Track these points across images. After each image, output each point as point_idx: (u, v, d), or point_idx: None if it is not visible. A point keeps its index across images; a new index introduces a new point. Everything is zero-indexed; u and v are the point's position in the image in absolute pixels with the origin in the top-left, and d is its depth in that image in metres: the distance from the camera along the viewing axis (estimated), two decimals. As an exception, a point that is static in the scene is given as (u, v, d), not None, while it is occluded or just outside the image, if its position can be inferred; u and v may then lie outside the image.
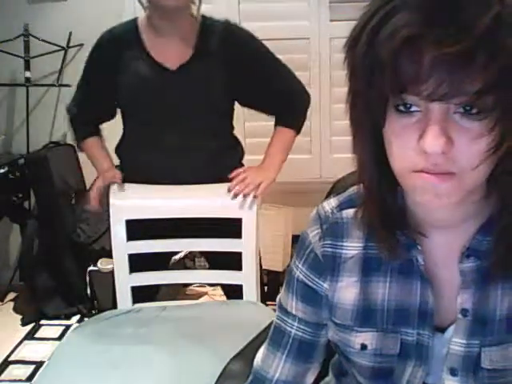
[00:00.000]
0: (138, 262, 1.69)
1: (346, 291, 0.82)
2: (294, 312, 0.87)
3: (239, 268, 1.66)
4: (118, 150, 1.88)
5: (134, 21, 1.81)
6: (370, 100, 0.65)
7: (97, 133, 1.89)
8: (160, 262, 1.81)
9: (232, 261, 1.67)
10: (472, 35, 0.57)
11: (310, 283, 0.86)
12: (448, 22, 0.58)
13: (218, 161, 1.79)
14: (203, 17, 1.81)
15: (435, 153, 0.61)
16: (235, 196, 1.67)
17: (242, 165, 1.89)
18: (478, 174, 0.64)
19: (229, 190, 1.68)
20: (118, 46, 1.76)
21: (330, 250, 0.84)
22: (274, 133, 1.86)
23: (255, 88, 1.81)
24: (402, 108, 0.64)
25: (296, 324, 0.87)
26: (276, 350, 0.89)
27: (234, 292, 1.72)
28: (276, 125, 1.86)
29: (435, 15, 0.58)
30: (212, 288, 2.93)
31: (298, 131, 1.88)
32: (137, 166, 1.80)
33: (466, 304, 0.75)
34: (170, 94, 1.73)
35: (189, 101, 1.74)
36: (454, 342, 0.76)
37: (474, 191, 0.68)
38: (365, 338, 0.80)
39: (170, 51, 1.75)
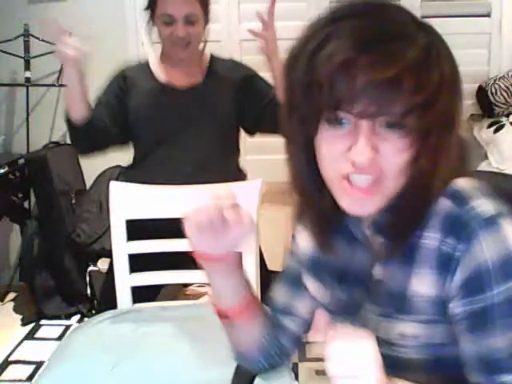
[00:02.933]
0: (138, 263, 1.69)
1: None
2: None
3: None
4: (127, 174, 1.95)
5: (146, 61, 1.93)
6: (306, 113, 0.73)
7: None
8: (160, 262, 1.81)
9: None
10: (400, 64, 0.66)
11: None
12: (379, 50, 0.67)
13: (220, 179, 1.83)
14: (212, 56, 1.96)
15: (362, 161, 0.70)
16: None
17: None
18: (398, 182, 0.73)
19: None
20: (131, 82, 1.86)
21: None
22: None
23: (257, 111, 1.89)
24: (334, 121, 0.72)
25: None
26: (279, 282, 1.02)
27: None
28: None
29: (368, 43, 0.67)
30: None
31: None
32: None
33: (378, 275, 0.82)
34: (178, 112, 1.83)
35: (196, 120, 1.82)
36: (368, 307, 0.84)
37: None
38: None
39: (180, 75, 1.86)
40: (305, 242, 0.94)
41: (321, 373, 2.28)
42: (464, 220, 0.74)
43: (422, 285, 0.76)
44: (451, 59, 0.73)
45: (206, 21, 1.85)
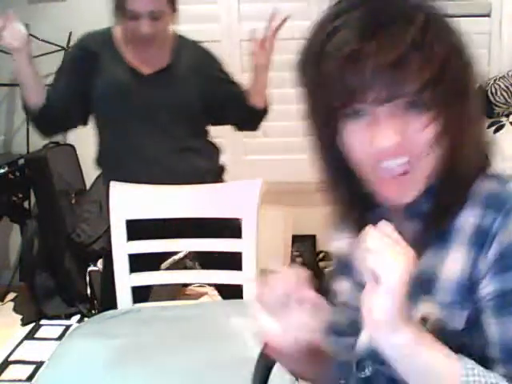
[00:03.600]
0: (138, 262, 1.69)
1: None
2: None
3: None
4: (98, 161, 1.93)
5: (110, 30, 1.87)
6: (323, 112, 0.75)
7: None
8: (153, 262, 1.82)
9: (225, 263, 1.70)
10: (402, 45, 0.68)
11: None
12: (381, 36, 0.68)
13: (195, 163, 1.84)
14: (179, 36, 1.91)
15: (387, 147, 0.70)
16: None
17: (221, 167, 1.93)
18: (431, 161, 0.73)
19: None
20: (94, 51, 1.82)
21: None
22: None
23: (222, 98, 1.90)
24: (352, 115, 0.72)
25: None
26: None
27: (229, 293, 1.73)
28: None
29: (371, 31, 0.69)
30: (212, 288, 2.93)
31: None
32: (118, 173, 1.81)
33: None
34: (144, 98, 1.79)
35: (162, 106, 1.80)
36: None
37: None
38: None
39: (146, 58, 1.82)
40: (338, 242, 0.94)
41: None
42: (504, 196, 0.74)
43: (455, 264, 0.75)
44: (453, 30, 0.75)
45: (174, 12, 1.82)
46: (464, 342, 0.75)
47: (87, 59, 1.81)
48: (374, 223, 0.78)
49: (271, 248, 2.72)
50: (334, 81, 0.70)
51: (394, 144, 0.70)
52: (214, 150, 1.94)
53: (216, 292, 2.91)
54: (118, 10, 1.76)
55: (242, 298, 1.66)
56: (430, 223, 0.78)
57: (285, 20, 1.82)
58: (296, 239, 2.95)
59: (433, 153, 0.73)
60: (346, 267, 0.91)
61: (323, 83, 0.72)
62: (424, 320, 0.77)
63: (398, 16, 0.70)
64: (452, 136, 0.73)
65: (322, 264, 2.94)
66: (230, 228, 1.75)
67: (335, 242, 0.96)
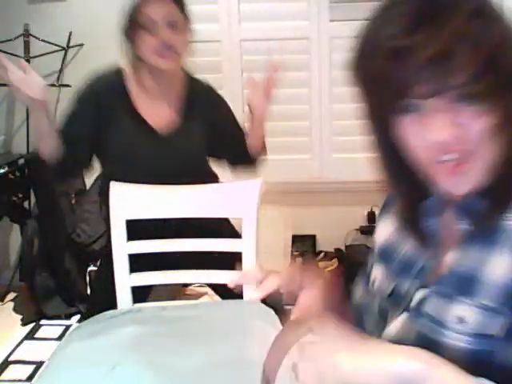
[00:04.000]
0: (139, 262, 1.69)
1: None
2: None
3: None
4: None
5: (120, 73, 1.81)
6: (375, 108, 0.75)
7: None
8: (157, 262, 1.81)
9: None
10: (448, 35, 0.66)
11: None
12: (426, 27, 0.67)
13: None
14: (186, 74, 1.87)
15: (443, 139, 0.69)
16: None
17: None
18: (488, 153, 0.72)
19: None
20: (105, 97, 1.77)
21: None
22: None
23: (223, 141, 1.89)
24: (405, 110, 0.72)
25: None
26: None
27: (227, 293, 1.72)
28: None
29: (416, 24, 0.68)
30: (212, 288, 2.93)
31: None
32: None
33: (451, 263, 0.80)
34: (154, 156, 1.78)
35: (172, 161, 1.79)
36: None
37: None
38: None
39: (157, 111, 1.80)
40: (383, 229, 0.94)
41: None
42: None
43: (500, 268, 0.73)
44: (503, 18, 0.72)
45: (190, 32, 1.78)
46: (498, 350, 0.73)
47: (99, 109, 1.76)
48: (425, 215, 0.81)
49: (271, 248, 2.72)
50: (382, 77, 0.70)
51: (446, 137, 0.70)
52: (214, 181, 1.94)
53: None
54: (131, 26, 1.71)
55: (241, 298, 1.67)
56: (479, 221, 0.77)
57: (279, 70, 1.77)
58: (296, 239, 2.95)
59: (488, 146, 0.71)
60: (385, 254, 0.92)
61: (373, 79, 0.72)
62: (460, 321, 0.74)
63: (444, 7, 0.69)
64: (509, 129, 0.71)
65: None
66: (228, 229, 1.75)
67: (380, 228, 0.96)
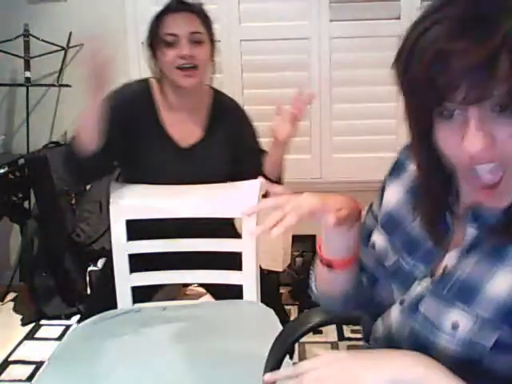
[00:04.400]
0: (139, 263, 1.69)
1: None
2: None
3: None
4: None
5: (147, 83, 1.79)
6: (416, 110, 0.74)
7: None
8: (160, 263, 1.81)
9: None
10: (491, 43, 0.65)
11: None
12: (472, 34, 0.66)
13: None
14: (214, 92, 1.85)
15: (476, 151, 0.68)
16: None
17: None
18: None
19: None
20: (132, 107, 1.73)
21: None
22: None
23: (244, 161, 1.85)
24: (443, 114, 0.71)
25: None
26: None
27: (223, 295, 1.73)
28: None
29: (461, 29, 0.67)
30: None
31: None
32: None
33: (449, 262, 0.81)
34: (177, 171, 1.76)
35: (193, 176, 1.75)
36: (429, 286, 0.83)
37: None
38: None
39: (184, 129, 1.78)
40: (392, 196, 0.93)
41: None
42: None
43: (503, 283, 0.73)
44: None
45: (212, 48, 1.76)
46: (486, 359, 0.74)
47: (127, 120, 1.72)
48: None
49: (271, 248, 2.72)
50: (425, 79, 0.69)
51: (482, 148, 0.68)
52: None
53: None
54: (153, 40, 1.69)
55: (241, 298, 1.67)
56: (492, 231, 0.76)
57: (311, 98, 1.74)
58: (296, 239, 2.95)
59: None
60: (389, 225, 0.92)
61: (416, 81, 0.71)
62: (453, 325, 0.76)
63: (490, 13, 0.67)
64: None
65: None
66: (228, 229, 1.75)
67: (388, 190, 0.95)
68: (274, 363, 1.13)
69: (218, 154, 1.81)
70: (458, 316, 0.76)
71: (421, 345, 0.76)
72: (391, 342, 0.87)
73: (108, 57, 1.54)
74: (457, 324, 0.76)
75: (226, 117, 1.84)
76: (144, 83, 1.80)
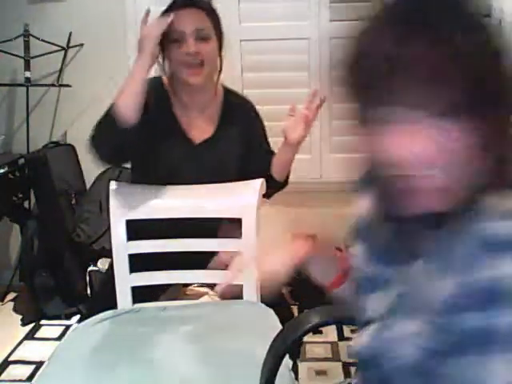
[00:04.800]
0: (139, 263, 1.69)
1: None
2: None
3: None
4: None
5: (159, 79, 1.80)
6: (357, 112, 0.76)
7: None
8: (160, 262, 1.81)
9: None
10: (434, 54, 0.66)
11: None
12: (414, 44, 0.67)
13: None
14: (225, 90, 1.85)
15: (410, 157, 0.70)
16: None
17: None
18: (459, 176, 0.71)
19: None
20: (148, 98, 1.67)
21: None
22: None
23: (253, 160, 1.85)
24: (382, 119, 0.72)
25: None
26: None
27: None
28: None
29: (403, 38, 0.68)
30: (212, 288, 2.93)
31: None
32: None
33: None
34: (187, 167, 1.75)
35: (203, 173, 1.75)
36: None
37: None
38: None
39: (196, 126, 1.78)
40: (365, 203, 0.95)
41: (321, 373, 2.28)
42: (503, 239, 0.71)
43: (449, 286, 0.74)
44: (493, 41, 0.72)
45: (220, 44, 1.75)
46: (442, 363, 0.75)
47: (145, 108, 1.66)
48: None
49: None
50: (367, 83, 0.71)
51: (416, 153, 0.69)
52: None
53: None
54: (163, 41, 1.67)
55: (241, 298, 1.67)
56: (433, 234, 0.77)
57: (324, 100, 1.76)
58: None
59: (464, 166, 0.70)
60: (363, 232, 0.93)
61: (359, 85, 0.73)
62: (414, 335, 0.77)
63: (434, 25, 0.68)
64: (488, 149, 0.70)
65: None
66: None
67: (359, 202, 0.97)
68: (272, 363, 1.12)
69: (229, 151, 1.80)
70: (416, 325, 0.76)
71: (383, 357, 0.76)
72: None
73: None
74: (416, 333, 0.76)
75: (238, 114, 1.83)
76: (156, 79, 1.79)
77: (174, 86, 1.77)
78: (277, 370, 1.12)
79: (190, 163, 1.75)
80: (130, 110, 1.57)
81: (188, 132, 1.77)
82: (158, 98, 1.75)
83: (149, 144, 1.72)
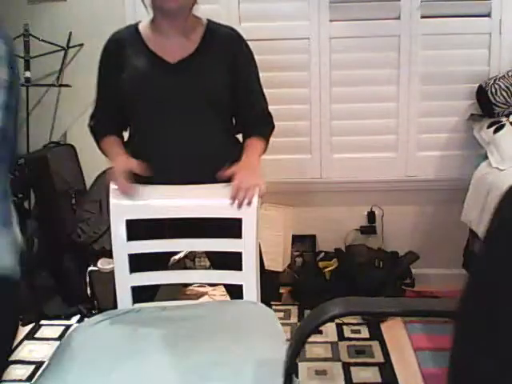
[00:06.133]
0: (138, 262, 1.69)
1: None
2: None
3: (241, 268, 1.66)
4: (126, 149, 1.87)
5: (136, 24, 1.85)
6: None
7: (116, 134, 1.87)
8: (160, 262, 1.81)
9: (234, 261, 1.67)
10: None
11: None
12: None
13: (216, 158, 1.78)
14: (209, 21, 1.85)
15: None
16: (240, 205, 1.66)
17: None
18: None
19: (232, 199, 1.66)
20: (121, 45, 1.79)
21: None
22: (247, 141, 1.86)
23: (241, 95, 1.85)
24: None
25: None
26: None
27: (236, 291, 1.72)
28: (250, 135, 1.87)
29: None
30: (212, 288, 2.93)
31: (266, 146, 1.89)
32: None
33: None
34: (169, 87, 1.75)
35: (188, 94, 1.75)
36: None
37: None
38: None
39: (171, 47, 1.78)
40: None
41: (321, 373, 2.28)
42: None
43: None
44: None
45: None
46: None
47: (115, 54, 1.80)
48: None
49: (271, 248, 2.72)
50: None
51: None
52: (237, 147, 1.87)
53: (216, 292, 2.91)
54: None
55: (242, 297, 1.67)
56: None
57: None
58: (296, 239, 2.95)
59: None
60: None
61: None
62: None
63: None
64: None
65: (321, 264, 2.94)
66: (229, 228, 1.74)
67: None
68: (295, 346, 1.18)
69: (211, 68, 1.79)
70: None
71: None
72: None
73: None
74: None
75: (220, 37, 1.83)
76: (130, 27, 1.86)
77: (154, 17, 1.80)
78: (299, 352, 1.17)
79: (166, 81, 1.76)
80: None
81: (160, 53, 1.78)
82: (131, 42, 1.81)
83: (124, 79, 1.77)
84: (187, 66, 1.77)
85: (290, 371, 1.17)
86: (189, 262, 2.94)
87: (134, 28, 1.83)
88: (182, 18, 1.77)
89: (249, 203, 1.65)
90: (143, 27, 1.82)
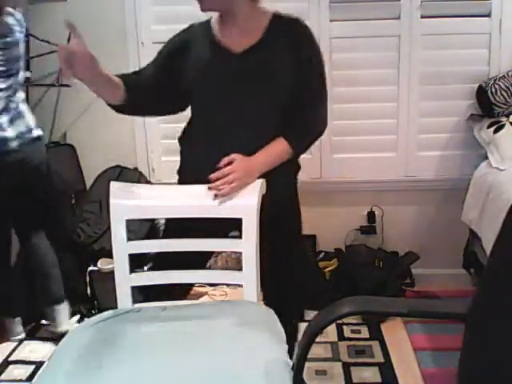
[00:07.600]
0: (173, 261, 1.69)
1: None
2: None
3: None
4: (181, 139, 1.89)
5: (207, 22, 1.87)
6: None
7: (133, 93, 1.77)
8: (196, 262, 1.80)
9: None
10: None
11: None
12: None
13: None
14: (274, 14, 1.85)
15: None
16: (214, 196, 1.66)
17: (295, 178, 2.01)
18: None
19: (209, 188, 1.66)
20: (191, 38, 1.82)
21: None
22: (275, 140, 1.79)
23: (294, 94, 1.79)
24: None
25: None
26: None
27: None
28: (280, 135, 1.79)
29: None
30: (212, 288, 2.93)
31: (295, 154, 1.86)
32: (195, 157, 1.80)
33: None
34: (232, 77, 1.75)
35: (250, 83, 1.75)
36: None
37: None
38: None
39: (235, 37, 1.78)
40: None
41: (321, 373, 2.28)
42: None
43: None
44: None
45: None
46: None
47: (183, 45, 1.81)
48: None
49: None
50: None
51: None
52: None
53: (216, 292, 2.91)
54: None
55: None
56: None
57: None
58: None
59: None
60: None
61: None
62: None
63: None
64: None
65: (321, 264, 2.94)
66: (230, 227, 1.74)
67: None
68: (306, 342, 1.20)
69: (276, 56, 1.76)
70: None
71: None
72: None
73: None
74: None
75: (286, 28, 1.82)
76: (203, 23, 1.87)
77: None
78: (309, 347, 1.20)
79: (230, 69, 1.75)
80: (112, 96, 1.71)
81: (225, 44, 1.78)
82: (202, 33, 1.83)
83: (188, 68, 1.78)
84: (251, 54, 1.76)
85: (302, 362, 1.20)
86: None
87: (208, 23, 1.85)
88: (232, 15, 1.77)
89: (221, 195, 1.65)
90: (214, 20, 1.84)
